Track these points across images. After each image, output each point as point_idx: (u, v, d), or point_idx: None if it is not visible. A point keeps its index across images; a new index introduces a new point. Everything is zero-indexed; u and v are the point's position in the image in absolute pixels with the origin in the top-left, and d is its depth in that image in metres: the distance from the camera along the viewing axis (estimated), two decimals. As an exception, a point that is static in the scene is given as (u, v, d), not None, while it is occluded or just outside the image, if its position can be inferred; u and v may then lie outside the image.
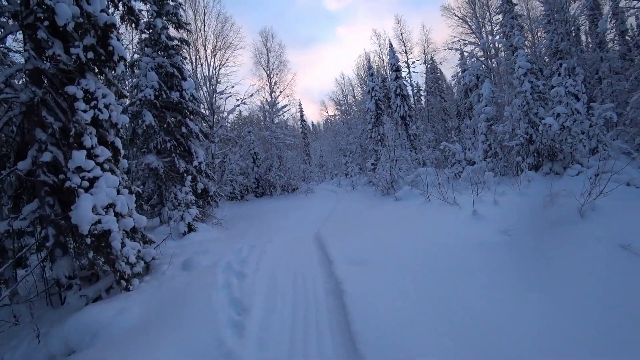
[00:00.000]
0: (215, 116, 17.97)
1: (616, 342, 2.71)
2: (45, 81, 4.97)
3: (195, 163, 10.66)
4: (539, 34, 16.44)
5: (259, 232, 9.40)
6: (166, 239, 7.63)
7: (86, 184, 4.76)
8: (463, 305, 3.45)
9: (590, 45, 16.14)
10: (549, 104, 10.07)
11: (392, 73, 22.00)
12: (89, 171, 4.79)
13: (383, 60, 26.82)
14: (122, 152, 5.76)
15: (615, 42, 14.62)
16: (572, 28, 13.91)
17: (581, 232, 4.47)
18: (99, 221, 4.74)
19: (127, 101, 10.48)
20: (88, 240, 4.70)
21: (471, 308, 3.39)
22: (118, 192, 5.24)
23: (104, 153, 5.07)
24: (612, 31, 14.15)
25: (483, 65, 16.22)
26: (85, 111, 4.84)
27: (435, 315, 3.35)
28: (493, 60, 15.86)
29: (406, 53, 25.15)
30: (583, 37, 17.41)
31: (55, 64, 4.76)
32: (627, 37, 14.18)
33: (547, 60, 13.83)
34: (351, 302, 3.74)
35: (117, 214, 5.09)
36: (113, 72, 5.54)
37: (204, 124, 14.56)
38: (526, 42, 15.77)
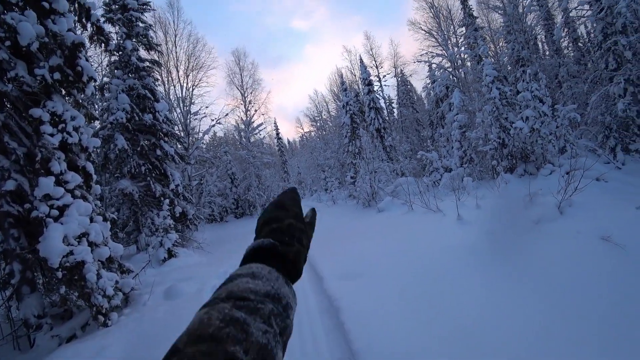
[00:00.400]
0: (191, 137, 17.59)
1: (612, 335, 2.71)
2: (8, 104, 4.65)
3: (172, 186, 10.30)
4: (500, 44, 17.41)
5: (243, 254, 9.09)
6: (145, 267, 7.21)
7: (55, 212, 4.43)
8: (454, 309, 3.42)
9: (548, 52, 17.24)
10: (517, 109, 10.52)
11: (365, 87, 22.52)
12: (58, 199, 4.47)
13: (355, 75, 27.47)
14: (95, 177, 5.45)
15: (569, 48, 15.70)
16: (530, 37, 14.80)
17: (562, 228, 4.59)
18: (71, 252, 4.39)
19: (98, 125, 10.09)
20: (59, 274, 4.34)
21: (462, 312, 3.36)
22: (91, 220, 4.92)
23: (74, 179, 4.77)
24: (566, 39, 15.19)
25: (451, 76, 16.89)
26: (52, 135, 4.56)
27: (428, 319, 3.34)
28: (460, 70, 16.57)
29: (377, 67, 25.93)
30: (540, 46, 18.59)
31: (18, 86, 4.47)
32: (579, 44, 15.24)
33: (510, 68, 14.59)
34: (348, 320, 3.62)
35: (91, 244, 4.76)
36: (82, 94, 5.29)
37: (179, 146, 14.24)
38: (489, 52, 16.61)
